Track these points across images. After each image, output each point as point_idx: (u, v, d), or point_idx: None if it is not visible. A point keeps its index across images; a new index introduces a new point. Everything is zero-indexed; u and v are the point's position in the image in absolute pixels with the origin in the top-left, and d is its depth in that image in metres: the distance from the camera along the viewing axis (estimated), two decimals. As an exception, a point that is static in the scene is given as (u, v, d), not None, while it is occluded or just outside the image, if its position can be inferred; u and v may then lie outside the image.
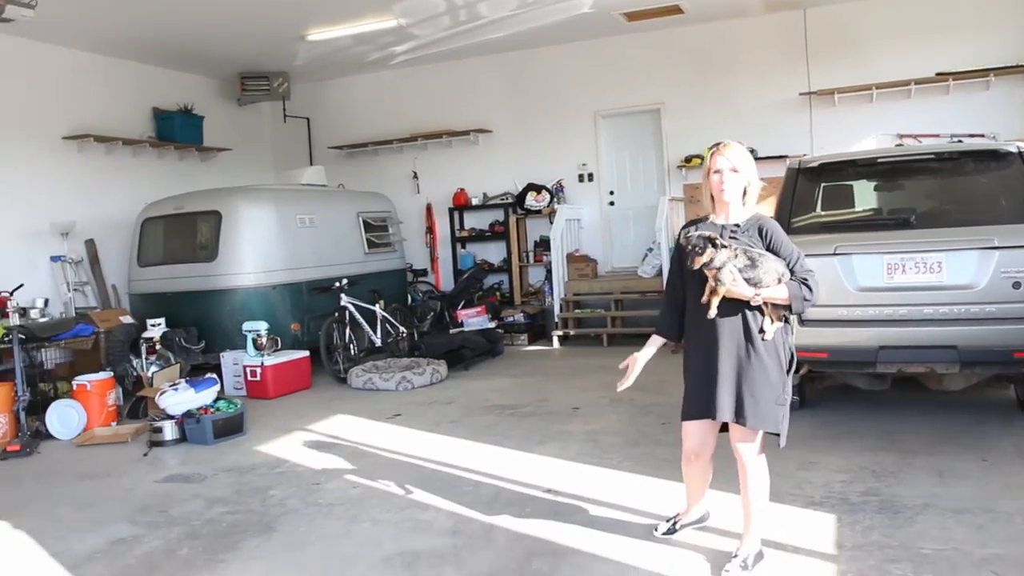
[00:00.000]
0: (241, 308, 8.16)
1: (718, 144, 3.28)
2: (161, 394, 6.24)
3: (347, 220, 9.61)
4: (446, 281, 11.63)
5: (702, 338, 3.23)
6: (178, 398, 6.15)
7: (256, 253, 8.31)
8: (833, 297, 4.79)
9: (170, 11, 8.36)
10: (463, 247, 11.60)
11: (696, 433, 3.34)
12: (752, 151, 10.05)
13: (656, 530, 3.70)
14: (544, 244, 10.75)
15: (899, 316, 4.80)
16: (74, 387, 6.86)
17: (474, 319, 9.72)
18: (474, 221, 11.55)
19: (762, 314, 3.13)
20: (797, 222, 5.16)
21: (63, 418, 6.65)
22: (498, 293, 11.11)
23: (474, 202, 11.39)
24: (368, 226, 9.88)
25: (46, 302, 7.94)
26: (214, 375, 6.85)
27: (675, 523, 3.69)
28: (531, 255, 11.15)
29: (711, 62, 10.10)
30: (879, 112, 9.33)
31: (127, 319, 8.32)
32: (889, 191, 5.85)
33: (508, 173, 11.19)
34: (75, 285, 9.18)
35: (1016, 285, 4.58)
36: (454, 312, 10.00)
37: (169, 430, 6.14)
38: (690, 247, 3.11)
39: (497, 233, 11.21)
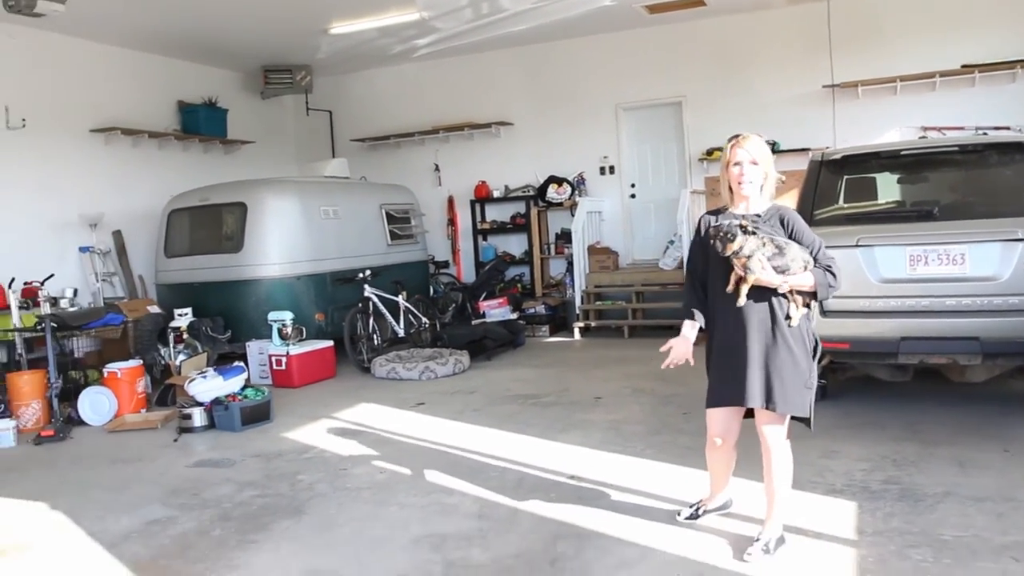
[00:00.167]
0: (266, 298, 8.29)
1: (737, 136, 3.33)
2: (190, 381, 6.37)
3: (370, 212, 9.71)
4: (467, 273, 11.71)
5: (728, 326, 3.29)
6: (207, 385, 6.27)
7: (281, 244, 8.43)
8: (855, 288, 4.82)
9: (196, 5, 8.48)
10: (484, 239, 11.68)
11: (721, 420, 3.40)
12: (774, 144, 10.12)
13: (679, 515, 3.76)
14: (565, 236, 10.80)
15: (921, 307, 4.81)
16: (105, 375, 7.01)
17: (496, 310, 9.80)
18: (495, 213, 11.62)
19: (788, 301, 3.18)
20: (820, 214, 5.18)
21: (94, 404, 6.81)
22: (519, 285, 11.18)
23: (495, 194, 11.46)
24: (391, 218, 9.98)
25: (75, 292, 8.10)
26: (242, 364, 6.98)
27: (698, 509, 3.75)
28: (552, 247, 11.20)
29: (733, 55, 10.09)
30: (903, 105, 9.28)
31: (155, 309, 8.47)
32: (912, 183, 5.85)
33: (529, 166, 11.24)
34: (103, 276, 9.35)
35: (1040, 277, 4.57)
36: (476, 303, 10.08)
37: (198, 417, 6.28)
38: (721, 234, 3.15)
39: (518, 225, 11.27)
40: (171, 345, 7.84)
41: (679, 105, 10.50)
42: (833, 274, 3.18)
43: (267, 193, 8.60)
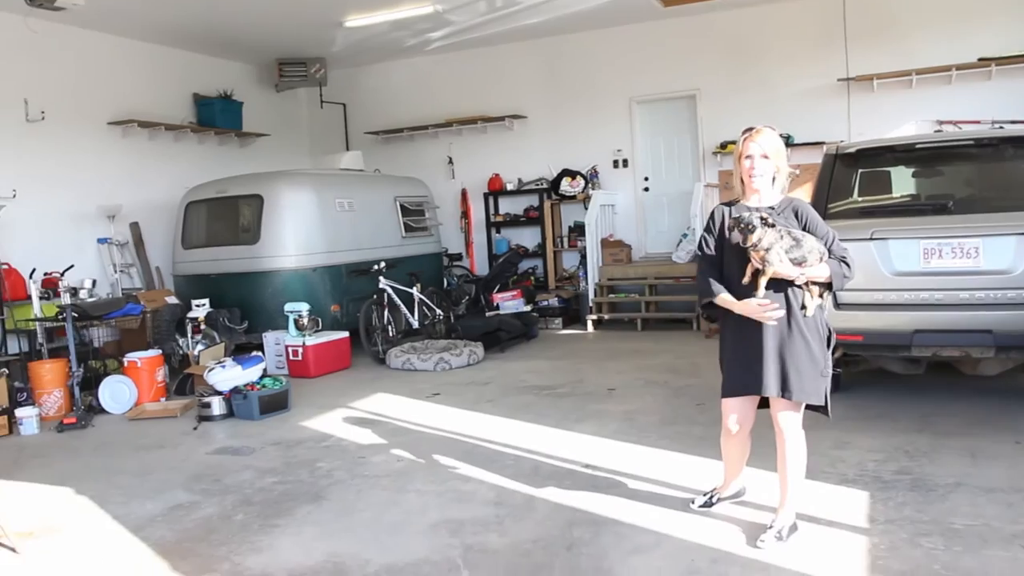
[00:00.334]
0: (282, 289, 8.38)
1: (750, 130, 3.38)
2: (210, 371, 6.47)
3: (385, 204, 9.78)
4: (480, 266, 11.78)
5: (744, 316, 3.32)
6: (226, 375, 6.37)
7: (297, 236, 8.52)
8: (869, 281, 4.85)
9: (213, -2, 8.57)
10: (498, 232, 11.74)
11: (737, 408, 3.45)
12: (788, 137, 10.12)
13: (693, 503, 3.82)
14: (578, 229, 10.84)
15: (935, 300, 4.84)
16: (125, 364, 7.12)
17: (510, 302, 9.87)
18: (509, 206, 11.68)
19: (803, 292, 3.23)
20: (834, 207, 5.21)
21: (115, 393, 6.92)
22: (532, 278, 11.24)
23: (509, 187, 11.51)
24: (405, 210, 10.05)
25: (94, 283, 8.20)
26: (260, 353, 7.07)
27: (712, 497, 3.81)
28: (565, 240, 11.25)
29: (748, 48, 10.09)
30: (919, 98, 9.26)
31: (172, 299, 8.59)
32: (927, 177, 5.87)
33: (543, 159, 11.29)
34: (121, 267, 9.48)
35: (1054, 271, 4.59)
36: (490, 295, 10.15)
37: (217, 405, 6.38)
38: (741, 226, 3.20)
39: (532, 218, 11.33)
40: (189, 335, 7.94)
41: (693, 98, 10.52)
42: (848, 265, 3.23)
43: (284, 185, 8.69)
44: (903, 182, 5.97)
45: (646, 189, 11.02)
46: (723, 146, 10.20)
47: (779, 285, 3.25)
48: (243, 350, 8.02)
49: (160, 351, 7.43)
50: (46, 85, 8.79)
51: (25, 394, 6.91)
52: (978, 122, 8.81)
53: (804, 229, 3.27)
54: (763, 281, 3.21)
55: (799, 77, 9.82)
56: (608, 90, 10.89)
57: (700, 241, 3.48)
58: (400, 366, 8.02)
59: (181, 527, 4.06)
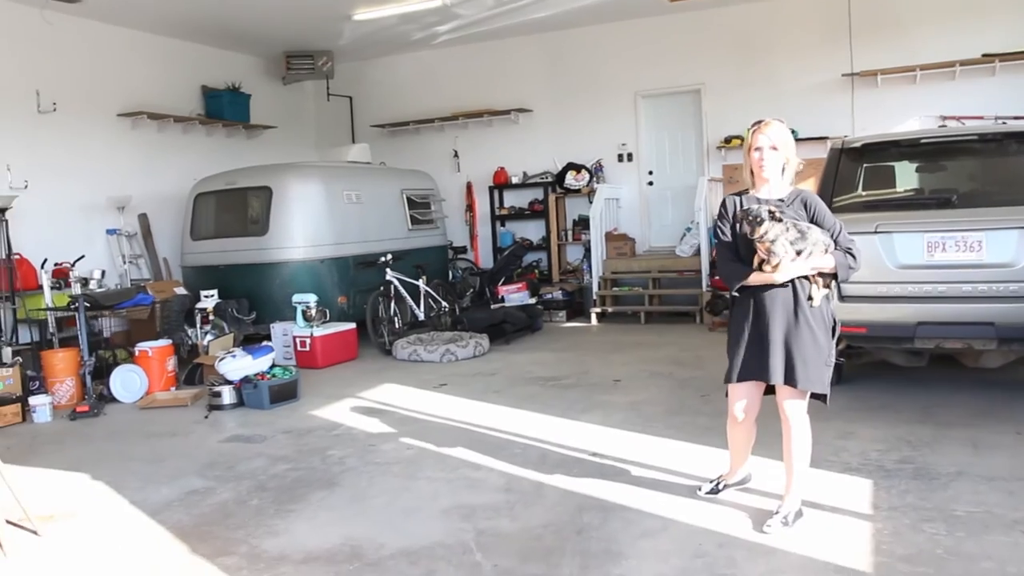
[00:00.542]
0: (290, 281, 8.46)
1: (759, 122, 3.45)
2: (220, 360, 6.55)
3: (392, 197, 9.85)
4: (485, 258, 11.85)
5: (752, 305, 3.41)
6: (237, 364, 6.45)
7: (305, 228, 8.59)
8: (873, 274, 4.92)
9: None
10: (502, 225, 11.81)
11: (743, 395, 3.54)
12: (792, 132, 10.13)
13: (700, 490, 3.90)
14: (583, 223, 10.91)
15: (938, 293, 4.91)
16: (136, 353, 7.21)
17: (515, 295, 9.94)
18: (513, 199, 11.74)
19: (809, 283, 3.31)
20: (839, 201, 5.27)
21: (126, 382, 7.01)
22: (537, 271, 11.31)
23: (514, 181, 11.57)
24: (412, 203, 10.12)
25: (103, 273, 8.27)
26: (270, 344, 7.15)
27: (718, 483, 3.89)
28: (570, 234, 11.31)
29: (753, 43, 10.14)
30: (923, 94, 9.31)
31: (181, 290, 8.66)
32: (931, 172, 5.94)
33: (548, 152, 11.35)
34: (129, 258, 9.56)
35: (1056, 264, 4.66)
36: (495, 288, 10.22)
37: (227, 395, 6.46)
38: (749, 218, 3.27)
39: (536, 212, 11.39)
40: (198, 326, 8.02)
41: (698, 93, 10.57)
42: (853, 256, 3.31)
43: (292, 177, 8.76)
44: (907, 177, 6.04)
45: (650, 183, 11.07)
46: (727, 140, 10.26)
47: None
48: (251, 341, 8.11)
49: (171, 341, 7.51)
50: (57, 77, 8.86)
51: (38, 383, 7.01)
52: (981, 118, 8.87)
53: (812, 220, 3.35)
54: (768, 269, 3.29)
55: (804, 72, 9.87)
56: (613, 84, 10.94)
57: (716, 229, 3.55)
58: (407, 357, 8.09)
59: (198, 511, 4.14)
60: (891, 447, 4.48)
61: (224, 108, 10.90)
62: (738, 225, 3.37)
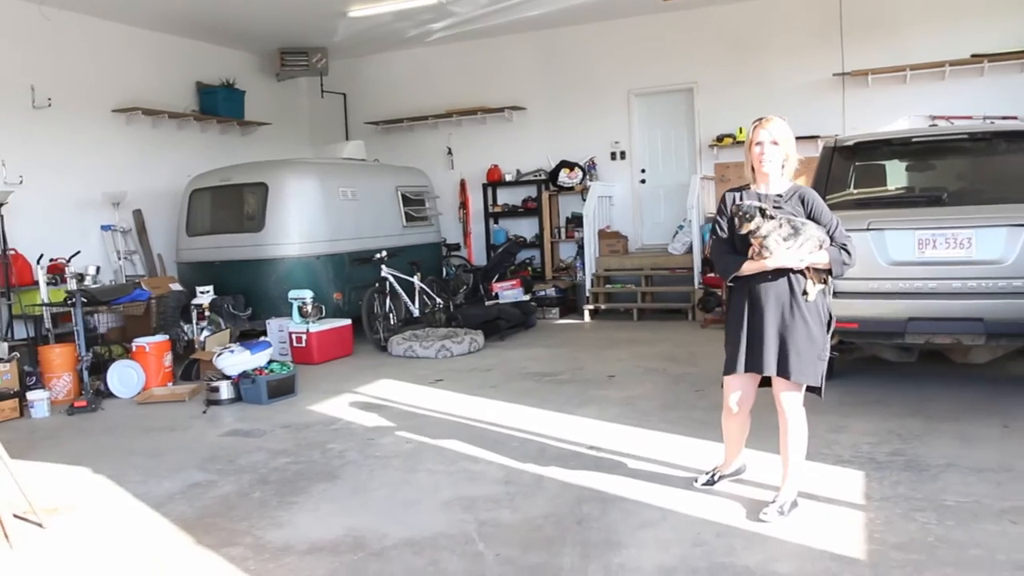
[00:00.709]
0: (286, 277, 8.49)
1: (760, 118, 3.53)
2: (218, 355, 6.58)
3: (386, 194, 9.90)
4: (478, 256, 11.91)
5: (749, 299, 3.49)
6: (235, 359, 6.49)
7: (301, 224, 8.63)
8: (865, 270, 5.00)
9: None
10: (496, 222, 11.87)
11: (738, 387, 3.61)
12: (786, 130, 10.16)
13: (696, 482, 3.97)
14: (576, 220, 10.99)
15: (928, 289, 5.01)
16: (133, 349, 7.23)
17: (509, 292, 10.01)
18: (507, 197, 11.80)
19: (804, 277, 3.39)
20: (832, 199, 5.34)
21: (123, 378, 7.03)
22: (530, 268, 11.38)
23: (507, 178, 11.64)
24: (406, 200, 10.17)
25: (98, 269, 8.26)
26: (268, 339, 7.18)
27: (714, 475, 3.96)
28: (563, 231, 11.39)
29: (745, 42, 10.23)
30: (913, 93, 9.43)
31: (176, 286, 8.69)
32: (922, 170, 6.03)
33: (541, 150, 11.41)
34: (124, 254, 9.56)
35: (1043, 261, 4.77)
36: (489, 285, 10.28)
37: (225, 390, 6.50)
38: (740, 213, 3.35)
39: (530, 209, 11.46)
40: (194, 321, 8.05)
41: (690, 91, 10.65)
42: (848, 252, 3.39)
43: (288, 174, 8.79)
44: (898, 175, 6.14)
45: (643, 181, 11.16)
46: (720, 139, 10.36)
47: (781, 270, 3.40)
48: (247, 337, 8.13)
49: (167, 336, 7.54)
50: (52, 72, 8.86)
51: (35, 378, 7.02)
52: (970, 117, 8.99)
53: (809, 216, 3.43)
54: (762, 263, 3.37)
55: (795, 71, 9.97)
56: (607, 82, 11.01)
57: (714, 224, 3.63)
58: (402, 353, 8.14)
59: (200, 504, 4.19)
60: (882, 440, 4.57)
61: (219, 104, 10.92)
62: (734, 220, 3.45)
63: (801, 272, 3.40)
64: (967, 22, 9.20)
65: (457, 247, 11.97)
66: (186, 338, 8.19)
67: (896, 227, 5.10)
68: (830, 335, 3.49)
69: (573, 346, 8.36)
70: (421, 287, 9.35)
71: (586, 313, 10.23)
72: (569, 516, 3.72)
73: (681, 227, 10.32)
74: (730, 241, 3.54)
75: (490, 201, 11.81)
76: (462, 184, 12.00)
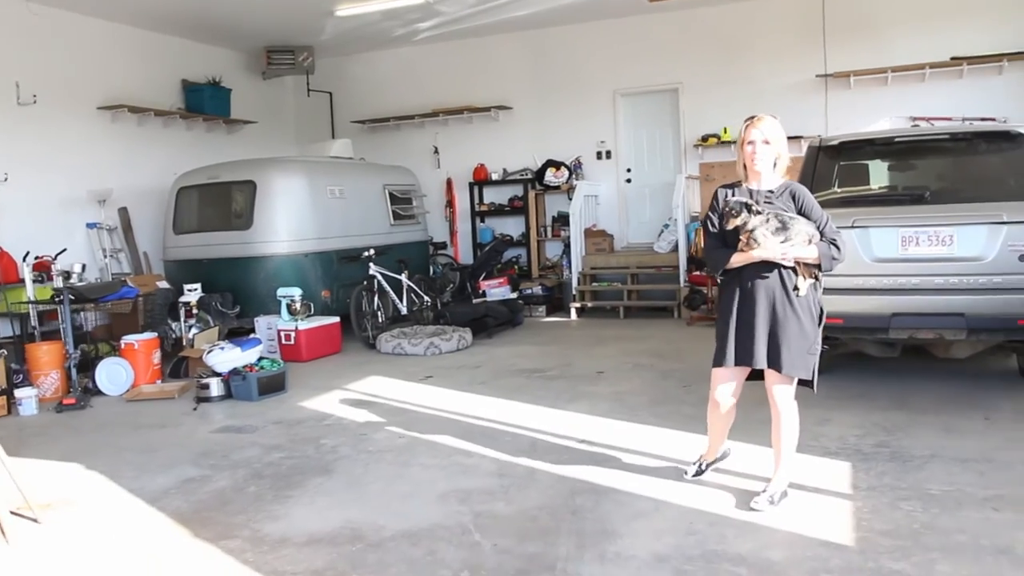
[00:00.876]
0: (274, 275, 8.50)
1: (752, 117, 3.62)
2: (209, 352, 6.59)
3: (374, 192, 9.92)
4: (465, 254, 11.96)
5: (740, 293, 3.57)
6: (225, 356, 6.50)
7: (289, 222, 8.63)
8: (850, 267, 5.06)
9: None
10: (482, 221, 11.92)
11: (728, 379, 3.68)
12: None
13: (686, 474, 4.03)
14: (562, 219, 11.06)
15: (911, 285, 5.12)
16: (122, 346, 7.21)
17: (496, 289, 10.07)
18: (493, 196, 11.86)
19: (795, 273, 3.47)
20: (817, 197, 5.40)
21: (111, 375, 7.01)
22: (516, 266, 11.44)
23: (494, 177, 11.69)
24: (394, 198, 10.20)
25: (83, 267, 8.23)
26: (258, 336, 7.19)
27: (701, 464, 4.03)
28: (549, 230, 11.45)
29: (730, 43, 10.34)
30: (894, 95, 9.59)
31: (163, 284, 8.66)
32: (904, 170, 6.15)
33: (528, 149, 11.47)
34: (110, 251, 9.51)
35: (1022, 258, 4.89)
36: (477, 283, 10.33)
37: (215, 387, 6.50)
38: (727, 209, 3.43)
39: (516, 208, 11.51)
40: (182, 319, 8.04)
41: (676, 91, 10.76)
42: (837, 247, 3.47)
43: (277, 172, 8.80)
44: (881, 174, 6.26)
45: (628, 180, 11.25)
46: (704, 139, 10.47)
47: (771, 265, 3.48)
48: (235, 334, 8.11)
49: (156, 334, 7.53)
50: (38, 68, 8.81)
51: (22, 376, 6.99)
52: (950, 119, 9.15)
53: (799, 211, 3.51)
54: (748, 256, 3.45)
55: (779, 72, 10.09)
56: (593, 82, 11.09)
57: (706, 220, 3.70)
58: (391, 351, 8.18)
59: (196, 498, 4.21)
60: (868, 432, 4.68)
61: (204, 102, 10.89)
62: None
63: (792, 268, 3.48)
64: (947, 25, 9.36)
65: (444, 246, 12.01)
66: (174, 336, 8.18)
67: (880, 225, 5.21)
68: (821, 329, 3.57)
69: (561, 343, 8.43)
70: (409, 285, 9.38)
71: (573, 311, 10.31)
72: (563, 507, 3.78)
73: (667, 226, 10.42)
74: (721, 236, 3.60)
75: (476, 200, 11.85)
76: (448, 183, 12.04)
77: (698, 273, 9.48)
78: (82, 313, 8.03)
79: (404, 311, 9.28)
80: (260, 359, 6.73)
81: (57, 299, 6.98)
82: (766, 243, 3.41)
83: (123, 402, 6.73)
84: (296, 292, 8.14)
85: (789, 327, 3.46)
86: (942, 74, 9.41)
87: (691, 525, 3.48)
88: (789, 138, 9.86)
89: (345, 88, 12.56)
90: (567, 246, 10.79)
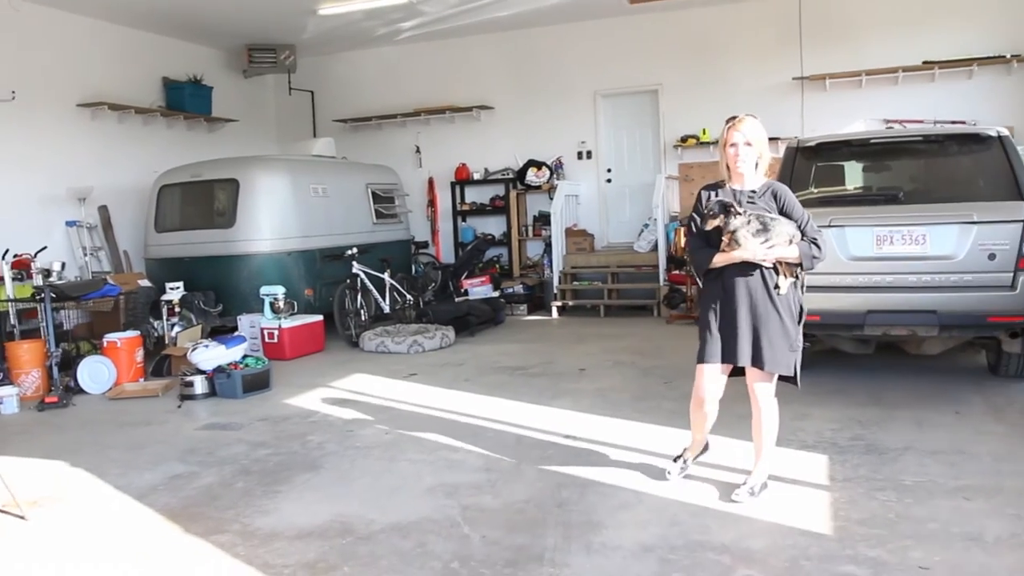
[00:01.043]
0: (257, 273, 8.50)
1: (734, 118, 3.69)
2: (193, 350, 6.59)
3: (357, 191, 9.95)
4: (446, 253, 12.01)
5: (722, 291, 3.66)
6: (210, 354, 6.51)
7: (272, 220, 8.64)
8: (826, 265, 5.14)
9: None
10: (464, 220, 11.98)
11: (710, 376, 3.76)
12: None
13: (669, 475, 4.05)
14: (543, 219, 11.15)
15: (886, 283, 5.26)
16: (105, 344, 7.19)
17: (478, 288, 10.14)
18: (475, 195, 11.92)
19: (776, 272, 3.57)
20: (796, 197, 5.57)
21: (94, 373, 7.00)
22: (498, 265, 11.51)
23: (475, 177, 11.76)
24: (376, 197, 10.23)
25: (63, 265, 8.19)
26: (243, 334, 7.20)
27: (684, 460, 4.11)
28: (530, 229, 11.55)
29: (709, 45, 10.49)
30: (868, 97, 9.79)
31: (145, 282, 8.64)
32: (879, 171, 6.30)
33: (509, 149, 11.56)
34: (90, 250, 9.46)
35: (991, 256, 5.05)
36: (459, 282, 10.39)
37: (200, 384, 6.51)
38: (707, 211, 3.53)
39: (497, 207, 11.59)
40: (164, 318, 8.02)
41: (655, 93, 10.88)
42: (818, 246, 3.57)
43: (259, 170, 8.80)
44: (855, 175, 6.41)
45: (609, 180, 11.37)
46: (684, 140, 10.60)
47: (752, 265, 3.57)
48: (218, 333, 8.13)
49: (139, 332, 7.51)
50: (16, 65, 8.75)
51: (2, 374, 6.95)
52: (921, 121, 9.36)
53: (781, 210, 3.61)
54: (730, 255, 3.54)
55: (757, 75, 10.25)
56: (573, 83, 11.19)
57: (689, 221, 3.78)
58: (374, 349, 8.22)
59: (184, 495, 4.24)
60: (844, 426, 4.81)
61: (185, 100, 10.85)
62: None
63: (773, 267, 3.58)
64: (919, 30, 9.58)
65: (425, 245, 12.05)
66: (156, 334, 8.16)
67: (856, 224, 5.34)
68: (801, 326, 3.67)
69: (543, 341, 8.51)
70: (392, 284, 9.42)
71: (554, 309, 10.40)
72: (549, 500, 3.86)
73: (646, 225, 10.54)
74: (705, 236, 3.69)
75: (458, 199, 11.91)
76: (430, 182, 12.09)
77: (678, 272, 9.61)
78: (63, 311, 7.98)
79: (387, 310, 9.32)
80: (245, 357, 6.74)
81: (38, 297, 6.94)
82: (747, 244, 3.50)
83: (106, 400, 6.71)
84: (279, 290, 8.15)
85: (771, 325, 3.56)
86: (915, 77, 9.61)
87: (674, 516, 3.58)
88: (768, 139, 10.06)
89: (327, 87, 12.56)
90: (548, 245, 10.87)
